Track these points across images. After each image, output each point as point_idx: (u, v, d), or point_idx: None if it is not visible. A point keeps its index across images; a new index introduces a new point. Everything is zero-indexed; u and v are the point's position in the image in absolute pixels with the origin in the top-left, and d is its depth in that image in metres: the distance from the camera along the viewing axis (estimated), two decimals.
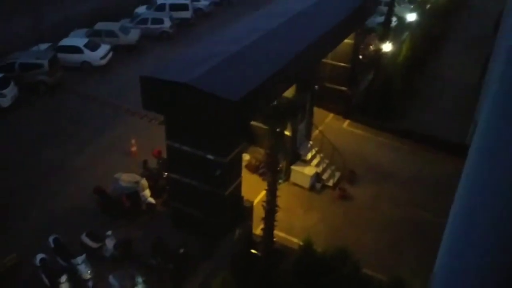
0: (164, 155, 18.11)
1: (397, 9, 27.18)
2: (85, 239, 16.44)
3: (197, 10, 37.96)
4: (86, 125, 24.04)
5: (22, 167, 20.92)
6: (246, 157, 20.59)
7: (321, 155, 21.64)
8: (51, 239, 16.18)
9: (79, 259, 15.29)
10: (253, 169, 20.93)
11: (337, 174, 21.29)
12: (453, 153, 21.47)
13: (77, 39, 30.41)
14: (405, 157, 22.88)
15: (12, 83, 25.23)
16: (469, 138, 21.07)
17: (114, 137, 22.94)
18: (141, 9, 37.10)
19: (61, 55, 28.31)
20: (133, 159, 21.16)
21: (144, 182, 18.62)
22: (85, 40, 29.93)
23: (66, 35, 31.87)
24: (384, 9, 28.12)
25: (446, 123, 25.35)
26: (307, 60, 19.05)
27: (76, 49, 29.15)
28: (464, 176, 10.68)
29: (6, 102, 24.77)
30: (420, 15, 33.16)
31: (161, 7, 35.97)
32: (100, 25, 32.32)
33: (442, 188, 19.62)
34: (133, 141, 21.80)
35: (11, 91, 25.07)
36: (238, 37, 18.34)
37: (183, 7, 36.10)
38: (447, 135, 23.74)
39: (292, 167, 20.69)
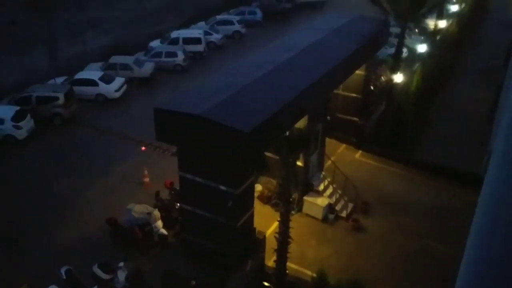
0: (177, 186, 18.17)
1: (407, 40, 27.40)
2: (97, 270, 16.36)
3: (209, 43, 38.67)
4: (100, 156, 24.30)
5: (36, 198, 21.11)
6: (258, 187, 20.56)
7: (334, 185, 21.54)
8: (63, 270, 16.14)
9: None
10: (265, 200, 20.86)
11: (350, 205, 21.11)
12: (467, 183, 21.22)
13: (92, 72, 31.09)
14: (418, 187, 22.66)
15: (28, 115, 25.74)
16: (483, 169, 20.85)
17: (127, 169, 23.12)
18: (155, 43, 37.88)
19: (76, 88, 28.90)
20: (145, 190, 21.27)
21: (156, 213, 18.64)
22: (100, 73, 30.59)
23: (82, 68, 32.61)
24: (395, 40, 28.37)
25: (459, 153, 25.17)
26: (319, 91, 19.22)
27: (91, 82, 29.76)
28: (479, 207, 10.53)
29: (22, 134, 25.22)
30: (430, 46, 33.43)
31: (175, 41, 36.72)
32: (115, 59, 33.05)
33: (455, 219, 19.31)
34: (145, 172, 21.94)
35: (27, 124, 25.55)
36: (250, 69, 18.61)
37: (196, 41, 36.82)
38: (460, 165, 23.52)
39: (305, 197, 20.58)
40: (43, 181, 22.27)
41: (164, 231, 18.53)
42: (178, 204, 18.54)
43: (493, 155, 12.74)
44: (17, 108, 25.78)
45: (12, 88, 29.07)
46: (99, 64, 33.17)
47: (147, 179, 21.88)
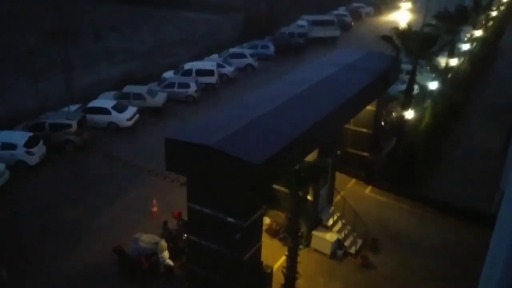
0: (185, 216, 18.09)
1: (418, 77, 27.55)
2: None
3: (222, 76, 39.21)
4: (109, 184, 24.37)
5: (44, 224, 21.09)
6: (266, 220, 20.39)
7: (343, 221, 21.29)
8: None
9: None
10: (273, 233, 20.64)
11: (359, 242, 20.79)
12: (478, 222, 20.87)
13: (105, 101, 31.54)
14: (428, 225, 22.32)
15: (41, 142, 26.04)
16: (495, 207, 20.56)
17: (136, 197, 23.13)
18: (169, 74, 38.50)
19: (89, 116, 29.29)
20: (153, 219, 21.18)
21: (163, 243, 18.51)
22: (113, 102, 31.02)
23: (96, 97, 33.11)
24: (406, 77, 28.56)
25: (470, 191, 24.88)
26: (330, 125, 19.27)
27: (104, 111, 30.16)
28: (491, 247, 10.34)
29: (34, 160, 25.45)
30: (441, 83, 33.57)
31: (188, 72, 37.29)
32: (128, 88, 33.57)
33: (467, 258, 18.92)
34: (154, 202, 21.92)
35: (39, 150, 25.82)
36: (262, 102, 18.77)
37: (209, 73, 37.36)
38: (471, 203, 23.20)
39: (313, 232, 20.34)
40: (52, 208, 22.30)
41: (170, 262, 18.35)
42: (186, 235, 18.41)
43: (506, 194, 12.58)
44: (30, 134, 26.12)
45: (27, 114, 29.55)
46: (113, 93, 33.69)
47: (155, 209, 21.84)
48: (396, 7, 63.71)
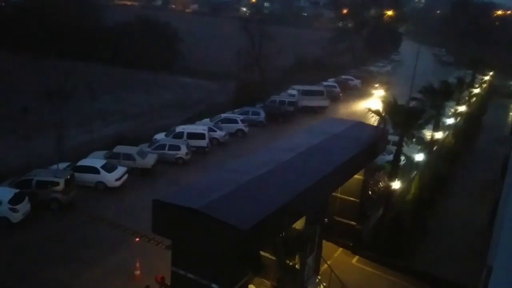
0: (168, 281, 17.68)
1: (405, 148, 28.19)
2: None
3: (213, 140, 39.70)
4: (93, 245, 23.88)
5: (25, 284, 20.37)
6: None
7: None
8: None
9: None
10: None
11: None
12: None
13: (95, 160, 31.55)
14: None
15: (26, 199, 25.74)
16: (482, 283, 20.37)
17: (119, 259, 22.61)
18: (160, 136, 38.90)
19: (78, 175, 29.19)
20: (136, 283, 20.63)
21: None
22: (103, 162, 31.05)
23: (86, 155, 33.16)
24: (393, 148, 29.19)
25: (456, 265, 24.73)
26: (318, 193, 19.43)
27: (93, 170, 30.09)
28: None
29: (17, 217, 25.00)
30: (427, 155, 34.29)
31: (179, 135, 37.71)
32: (119, 148, 33.75)
33: None
34: (137, 265, 21.45)
35: (24, 207, 25.45)
36: (251, 168, 19.02)
37: (200, 136, 37.85)
38: (458, 277, 22.98)
39: None
40: (30, 268, 21.65)
41: None
42: None
43: (493, 270, 12.56)
44: (16, 190, 25.86)
45: (16, 170, 29.38)
46: (103, 152, 33.80)
47: (138, 272, 21.32)
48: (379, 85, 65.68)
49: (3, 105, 42.78)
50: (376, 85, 65.25)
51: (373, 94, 60.78)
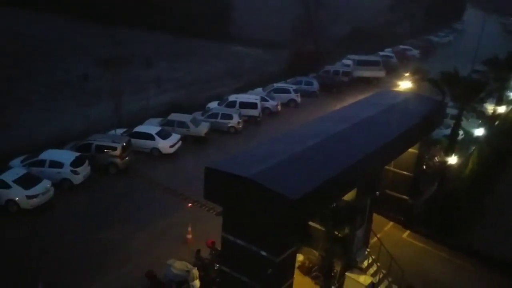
0: (218, 246, 18.15)
1: (464, 123, 27.02)
2: None
3: (265, 109, 39.71)
4: (147, 209, 24.82)
5: (80, 245, 21.55)
6: (300, 257, 20.10)
7: (378, 264, 20.76)
8: None
9: None
10: (306, 271, 20.30)
11: (394, 287, 20.16)
12: None
13: (150, 127, 32.49)
14: (468, 276, 21.41)
15: (86, 162, 26.98)
16: None
17: (172, 223, 23.41)
18: (213, 104, 39.34)
19: (134, 140, 30.22)
20: (187, 246, 21.35)
21: (195, 271, 18.55)
22: (158, 129, 31.92)
23: (142, 122, 34.18)
24: (451, 122, 28.06)
25: None
26: (370, 165, 19.09)
27: (148, 136, 31.06)
28: None
29: (78, 179, 26.31)
30: (488, 130, 32.75)
31: (232, 104, 37.98)
32: (173, 116, 34.50)
33: None
34: (189, 229, 22.13)
35: (84, 170, 26.72)
36: (302, 137, 18.87)
37: (252, 106, 37.94)
38: None
39: (347, 273, 19.86)
40: (89, 228, 22.83)
41: None
42: (218, 265, 18.42)
43: None
44: (77, 154, 27.13)
45: (76, 135, 30.85)
46: (158, 119, 34.69)
47: (190, 236, 22.03)
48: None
49: (64, 72, 44.54)
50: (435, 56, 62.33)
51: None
